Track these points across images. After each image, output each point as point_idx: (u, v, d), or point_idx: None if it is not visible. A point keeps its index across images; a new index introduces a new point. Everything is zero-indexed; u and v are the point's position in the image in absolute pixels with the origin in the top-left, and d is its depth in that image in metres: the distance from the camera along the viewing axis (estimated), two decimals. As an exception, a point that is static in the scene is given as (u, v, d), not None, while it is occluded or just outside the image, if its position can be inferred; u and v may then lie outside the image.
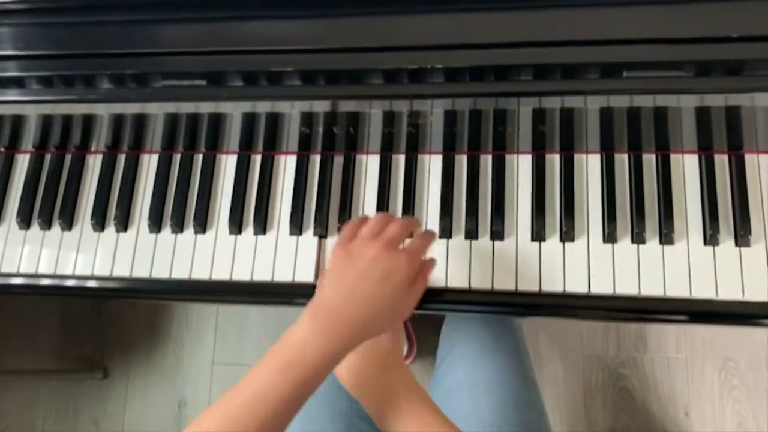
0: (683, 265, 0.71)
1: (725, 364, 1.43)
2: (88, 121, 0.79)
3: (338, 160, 0.81)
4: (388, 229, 0.64)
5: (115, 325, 1.67)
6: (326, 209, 0.79)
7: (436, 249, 0.76)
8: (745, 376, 1.41)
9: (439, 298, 0.77)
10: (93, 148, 0.86)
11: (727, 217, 0.72)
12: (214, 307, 1.63)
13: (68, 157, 0.86)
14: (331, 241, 0.79)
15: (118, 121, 0.79)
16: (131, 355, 1.65)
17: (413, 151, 0.80)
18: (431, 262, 0.69)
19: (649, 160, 0.75)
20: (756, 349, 1.42)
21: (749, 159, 0.73)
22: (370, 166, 0.81)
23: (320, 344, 0.58)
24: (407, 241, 0.67)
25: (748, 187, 0.72)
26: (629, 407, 1.44)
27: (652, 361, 1.45)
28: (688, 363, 1.44)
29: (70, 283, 0.83)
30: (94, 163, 0.86)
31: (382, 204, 0.78)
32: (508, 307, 0.76)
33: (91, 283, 0.82)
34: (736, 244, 0.71)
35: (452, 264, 0.76)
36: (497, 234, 0.75)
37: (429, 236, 0.69)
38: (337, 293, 0.61)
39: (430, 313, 0.83)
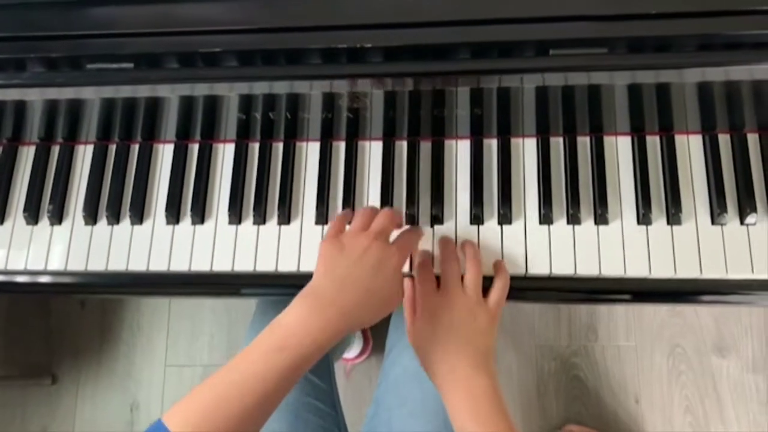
0: (618, 244, 0.72)
1: (673, 351, 1.46)
2: (20, 108, 0.77)
3: (278, 148, 0.80)
4: (376, 221, 0.67)
5: (63, 330, 1.62)
6: (265, 198, 0.78)
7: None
8: (692, 362, 1.45)
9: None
10: (26, 139, 0.84)
11: (659, 197, 0.74)
12: (165, 307, 1.61)
13: (-1, 150, 0.84)
14: (269, 229, 0.78)
15: (50, 108, 0.76)
16: (81, 360, 1.61)
17: (353, 137, 0.80)
18: (423, 253, 0.74)
19: (584, 142, 0.76)
20: (702, 335, 1.46)
21: (679, 140, 0.75)
22: (310, 153, 0.80)
23: (312, 329, 0.59)
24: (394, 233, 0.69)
25: (678, 167, 0.74)
26: (581, 395, 1.46)
27: (603, 350, 1.48)
28: (637, 350, 1.47)
29: (2, 278, 0.80)
30: (27, 155, 0.83)
31: (323, 192, 0.78)
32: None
33: (21, 279, 0.80)
34: (668, 223, 0.73)
35: (393, 249, 0.75)
36: (437, 219, 0.76)
37: (418, 230, 0.72)
38: (331, 282, 0.62)
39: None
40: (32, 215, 0.81)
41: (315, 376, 0.92)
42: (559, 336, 1.49)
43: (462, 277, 0.70)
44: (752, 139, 0.74)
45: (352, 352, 1.49)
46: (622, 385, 1.46)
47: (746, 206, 0.71)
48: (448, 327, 0.67)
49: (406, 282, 0.71)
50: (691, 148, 0.75)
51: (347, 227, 0.69)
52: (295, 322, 0.59)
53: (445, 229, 0.75)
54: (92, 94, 0.71)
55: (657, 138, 0.76)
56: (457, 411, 0.64)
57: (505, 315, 1.50)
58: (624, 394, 1.45)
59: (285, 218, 0.77)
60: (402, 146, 0.79)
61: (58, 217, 0.81)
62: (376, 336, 1.51)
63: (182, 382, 1.57)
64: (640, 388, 1.45)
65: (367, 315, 0.63)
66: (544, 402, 1.45)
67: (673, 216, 0.72)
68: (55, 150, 0.83)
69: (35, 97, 0.72)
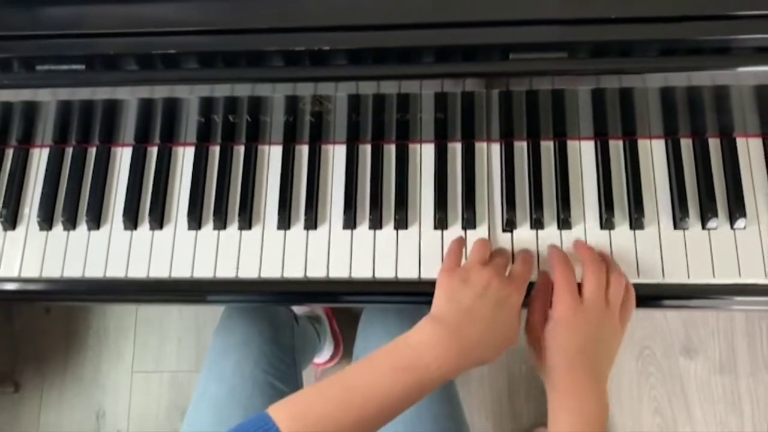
0: (581, 249, 0.72)
1: (642, 353, 1.47)
2: (-31, 112, 0.74)
3: (239, 151, 0.79)
4: (495, 257, 0.68)
5: (27, 336, 1.59)
6: (226, 202, 0.77)
7: (342, 241, 0.75)
8: (661, 364, 1.46)
9: (350, 290, 0.76)
10: (-21, 143, 0.81)
11: (622, 201, 0.74)
12: (132, 313, 1.58)
13: (-49, 153, 0.81)
14: (230, 234, 0.76)
15: (3, 111, 0.74)
16: (45, 367, 1.57)
17: (317, 141, 0.79)
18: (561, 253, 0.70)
19: (548, 147, 0.76)
20: (670, 337, 1.47)
21: (642, 144, 0.75)
22: (272, 157, 0.79)
23: (439, 355, 0.59)
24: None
25: (641, 172, 0.74)
26: (552, 398, 1.46)
27: (574, 352, 1.48)
28: (607, 353, 1.47)
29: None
30: (-20, 159, 0.81)
31: (285, 196, 0.76)
32: (413, 296, 0.75)
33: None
34: (631, 228, 0.73)
35: (356, 255, 0.74)
36: (401, 222, 0.75)
37: (530, 261, 0.70)
38: (457, 313, 0.62)
39: (345, 306, 0.81)
40: (-16, 220, 0.78)
41: (281, 382, 0.91)
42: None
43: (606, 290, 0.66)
44: (714, 144, 0.75)
45: (322, 356, 1.48)
46: (592, 387, 1.46)
47: (708, 211, 0.71)
48: (583, 345, 0.63)
49: (545, 275, 0.69)
50: (654, 152, 0.75)
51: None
52: (425, 345, 0.60)
53: (409, 233, 0.75)
54: (45, 96, 0.69)
55: (620, 142, 0.76)
56: (563, 426, 0.61)
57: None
58: (594, 397, 1.46)
59: (246, 223, 0.76)
60: (366, 150, 0.78)
61: (11, 222, 0.78)
62: (347, 340, 1.50)
63: (150, 388, 1.54)
64: (610, 390, 1.44)
65: (489, 351, 0.63)
66: (514, 405, 1.45)
67: (636, 220, 0.72)
68: (9, 153, 0.81)
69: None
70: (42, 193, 0.79)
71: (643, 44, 0.61)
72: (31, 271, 0.77)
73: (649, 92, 0.68)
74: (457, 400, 0.91)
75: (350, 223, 0.75)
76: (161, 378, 1.54)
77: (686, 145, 0.75)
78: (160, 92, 0.69)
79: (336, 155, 0.78)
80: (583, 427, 0.60)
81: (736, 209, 0.71)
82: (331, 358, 1.49)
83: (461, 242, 0.71)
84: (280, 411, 0.57)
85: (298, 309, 1.47)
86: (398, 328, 0.90)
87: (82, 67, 0.61)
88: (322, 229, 0.76)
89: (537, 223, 0.73)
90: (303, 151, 0.79)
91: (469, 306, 0.62)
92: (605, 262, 0.68)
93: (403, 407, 0.60)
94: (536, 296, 0.68)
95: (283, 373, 0.94)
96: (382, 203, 0.76)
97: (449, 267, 0.67)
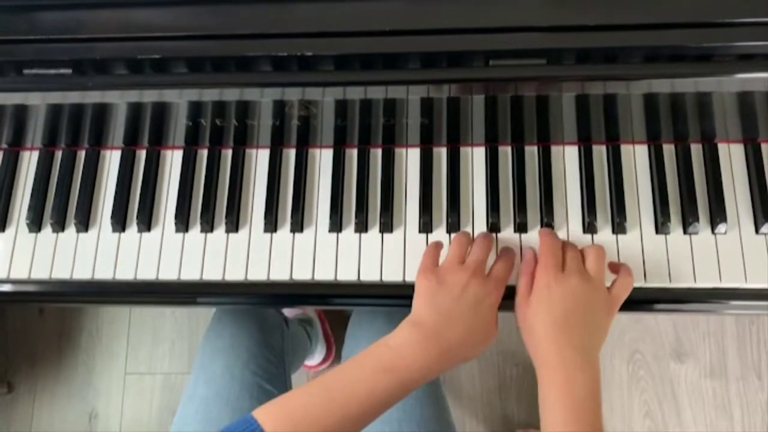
0: (564, 253, 0.73)
1: (633, 356, 1.47)
2: (-41, 115, 0.75)
3: (227, 155, 0.80)
4: (473, 253, 0.67)
5: (20, 337, 1.59)
6: (213, 206, 0.77)
7: (328, 244, 0.75)
8: (651, 368, 1.46)
9: (338, 293, 0.77)
10: (-31, 145, 0.82)
11: (605, 206, 0.74)
12: (125, 315, 1.58)
13: (-58, 155, 0.82)
14: (217, 237, 0.77)
15: (-8, 114, 0.75)
16: (38, 368, 1.58)
17: (304, 145, 0.79)
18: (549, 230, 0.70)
19: (531, 151, 0.77)
20: (661, 341, 1.48)
21: (625, 149, 0.76)
22: (259, 160, 0.80)
23: (419, 357, 0.60)
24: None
25: (624, 177, 0.75)
26: (542, 401, 1.46)
27: (565, 356, 1.48)
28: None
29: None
30: (-30, 161, 0.82)
31: (272, 200, 0.77)
32: (399, 299, 0.76)
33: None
34: (613, 232, 0.73)
35: (341, 258, 0.75)
36: (386, 226, 0.75)
37: (511, 260, 0.69)
38: (436, 315, 0.63)
39: (333, 308, 0.81)
40: (-26, 222, 0.79)
41: (270, 384, 0.92)
42: (522, 341, 1.49)
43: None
44: (696, 150, 0.75)
45: (314, 359, 1.49)
46: (583, 390, 1.47)
47: (689, 216, 0.72)
48: (565, 314, 0.62)
49: (529, 253, 0.69)
50: (636, 157, 0.76)
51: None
52: (405, 347, 0.61)
53: (394, 237, 0.75)
54: (34, 100, 0.70)
55: (603, 147, 0.76)
56: (547, 401, 0.60)
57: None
58: (585, 400, 1.46)
59: (233, 226, 0.77)
60: (352, 154, 0.79)
61: (0, 224, 0.79)
62: (339, 342, 1.50)
63: (142, 390, 1.54)
64: (601, 393, 1.46)
65: (468, 350, 0.64)
66: (506, 407, 1.46)
67: (618, 225, 0.73)
68: (-1, 156, 0.82)
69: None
70: (31, 195, 0.79)
71: (623, 51, 0.62)
72: (20, 273, 0.77)
73: (631, 98, 0.68)
74: (443, 403, 0.92)
75: (336, 226, 0.76)
76: (154, 380, 1.55)
77: (669, 150, 0.76)
78: (148, 96, 0.69)
79: (323, 159, 0.79)
80: (572, 401, 0.59)
81: (717, 214, 0.72)
82: (324, 360, 1.50)
83: (439, 244, 0.71)
84: (265, 413, 0.57)
85: (289, 312, 1.48)
86: (386, 330, 0.90)
87: (69, 71, 0.62)
88: (308, 232, 0.77)
89: (521, 227, 0.73)
90: (290, 154, 0.80)
91: (447, 309, 0.63)
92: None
93: (387, 406, 0.61)
94: (521, 273, 0.68)
95: (272, 375, 0.94)
96: (367, 207, 0.76)
97: (426, 268, 0.67)
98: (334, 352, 1.51)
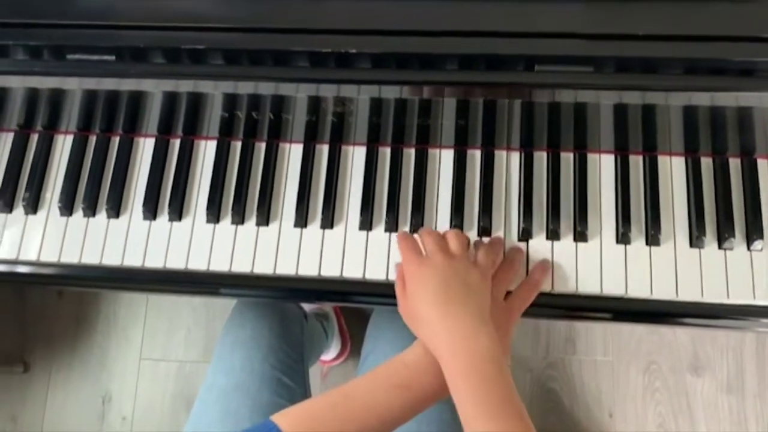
0: (595, 262, 0.72)
1: (649, 367, 1.46)
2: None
3: (260, 148, 0.80)
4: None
5: (38, 318, 1.60)
6: (245, 198, 0.77)
7: (358, 242, 0.75)
8: (667, 379, 1.45)
9: (360, 291, 0.76)
10: (4, 126, 0.82)
11: (640, 217, 0.73)
12: (143, 300, 1.59)
13: (-23, 135, 0.83)
14: (247, 229, 0.77)
15: (30, 97, 0.75)
16: (54, 349, 1.59)
17: (337, 141, 0.79)
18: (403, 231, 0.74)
19: (567, 158, 0.76)
20: (678, 353, 1.47)
21: (662, 160, 0.75)
22: (292, 154, 0.79)
23: (435, 376, 0.61)
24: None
25: (659, 188, 0.74)
26: (556, 408, 1.46)
27: (580, 364, 1.48)
28: (614, 366, 1.47)
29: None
30: (5, 142, 0.82)
31: (303, 194, 0.77)
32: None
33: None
34: (647, 243, 0.73)
35: (371, 256, 0.75)
36: (417, 227, 0.75)
37: (498, 246, 0.71)
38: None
39: (354, 306, 0.81)
40: (7, 203, 0.79)
41: (288, 378, 0.92)
42: (537, 347, 1.49)
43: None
44: (734, 164, 0.74)
45: (329, 353, 1.49)
46: (597, 399, 1.46)
47: (725, 231, 0.71)
48: (438, 286, 0.63)
49: (398, 265, 0.70)
50: (673, 169, 0.75)
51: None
52: (421, 366, 0.62)
53: (424, 238, 0.75)
54: (73, 85, 0.70)
55: (640, 158, 0.76)
56: (452, 378, 0.60)
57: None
58: (598, 408, 1.46)
59: (264, 219, 0.77)
60: (386, 153, 0.79)
61: (33, 207, 0.79)
62: (354, 338, 1.51)
63: (157, 376, 1.55)
64: (615, 403, 1.46)
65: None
66: (518, 413, 1.45)
67: (653, 237, 0.72)
68: (34, 138, 0.82)
69: (15, 84, 0.71)
70: (64, 179, 0.80)
71: (669, 62, 0.61)
72: (49, 256, 0.78)
73: (671, 109, 0.68)
74: None
75: (366, 224, 0.76)
76: (168, 367, 1.55)
77: (706, 163, 0.75)
78: (185, 86, 0.70)
79: (356, 156, 0.79)
80: (473, 370, 0.58)
81: (754, 231, 0.71)
82: (338, 355, 1.50)
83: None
84: (284, 418, 0.58)
85: (307, 306, 1.48)
86: (407, 331, 0.90)
87: (112, 58, 0.62)
88: (338, 229, 0.76)
89: (553, 234, 0.73)
90: (323, 150, 0.79)
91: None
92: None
93: (404, 420, 0.62)
94: (396, 281, 0.69)
95: (291, 369, 0.95)
96: (398, 206, 0.76)
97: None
98: (349, 348, 1.51)
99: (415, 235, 0.73)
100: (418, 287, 0.65)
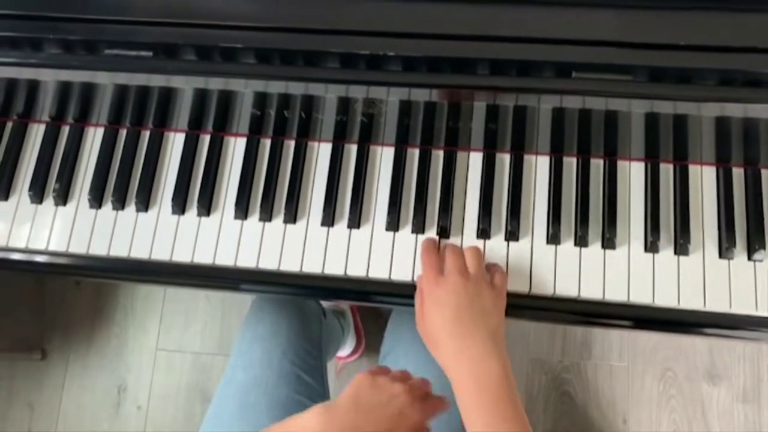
0: (623, 270, 0.72)
1: (664, 374, 1.46)
2: (32, 87, 0.76)
3: (289, 146, 0.80)
4: (415, 380, 0.69)
5: (57, 306, 1.62)
6: (273, 195, 0.78)
7: (384, 242, 0.76)
8: (683, 387, 1.45)
9: (383, 291, 0.76)
10: (36, 117, 0.83)
11: (669, 226, 0.73)
12: (160, 292, 1.60)
13: (9, 125, 0.83)
14: (274, 226, 0.77)
15: (63, 90, 0.76)
16: (72, 338, 1.60)
17: (366, 141, 0.79)
18: (428, 240, 0.74)
19: (597, 165, 0.76)
20: (694, 360, 1.46)
21: (693, 170, 0.75)
22: (321, 153, 0.80)
23: None
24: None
25: (690, 197, 0.73)
26: (570, 412, 1.45)
27: (595, 368, 1.48)
28: (629, 371, 1.47)
29: (3, 255, 0.80)
30: (37, 133, 0.83)
31: (331, 193, 0.77)
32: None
33: (25, 257, 0.79)
34: (675, 253, 0.72)
35: (396, 257, 0.75)
36: (444, 230, 0.75)
37: (444, 402, 0.70)
38: (352, 406, 0.64)
39: (375, 306, 0.81)
40: (37, 194, 0.80)
41: (307, 375, 0.92)
42: (553, 351, 1.49)
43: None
44: (766, 175, 0.74)
45: (344, 350, 1.49)
46: (611, 404, 1.46)
47: (755, 242, 0.71)
48: (454, 309, 0.65)
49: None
50: (704, 179, 0.74)
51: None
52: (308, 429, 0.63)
53: (452, 240, 0.75)
54: (107, 80, 0.71)
55: (671, 166, 0.75)
56: (463, 399, 0.63)
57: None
58: (612, 414, 1.45)
59: (291, 217, 0.77)
60: (414, 154, 0.79)
61: (63, 198, 0.80)
62: (368, 335, 1.51)
63: (172, 367, 1.56)
64: (629, 409, 1.45)
65: None
66: (531, 415, 1.45)
67: (681, 246, 0.72)
68: (65, 130, 0.83)
69: (50, 77, 0.72)
70: (94, 171, 0.80)
71: (708, 72, 0.60)
72: (78, 248, 0.78)
73: (703, 119, 0.67)
74: None
75: (393, 225, 0.76)
76: (184, 358, 1.56)
77: (738, 174, 0.74)
78: (217, 83, 0.70)
79: (384, 157, 0.79)
80: (484, 392, 0.62)
81: (785, 243, 0.71)
82: (353, 352, 1.50)
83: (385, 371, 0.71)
84: None
85: (324, 302, 1.49)
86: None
87: (149, 54, 0.62)
88: (364, 229, 0.77)
89: (581, 241, 0.73)
90: (351, 150, 0.80)
91: (364, 406, 0.64)
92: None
93: None
94: (417, 294, 0.71)
95: (310, 366, 0.95)
96: (426, 208, 0.76)
97: (372, 371, 0.69)
98: (364, 345, 1.52)
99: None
100: (434, 308, 0.67)
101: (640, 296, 0.71)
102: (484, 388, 0.62)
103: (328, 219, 0.77)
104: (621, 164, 0.75)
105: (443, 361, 0.66)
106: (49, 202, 0.80)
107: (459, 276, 0.67)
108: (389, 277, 0.75)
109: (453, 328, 0.65)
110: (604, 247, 0.73)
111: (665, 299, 0.71)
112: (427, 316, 0.67)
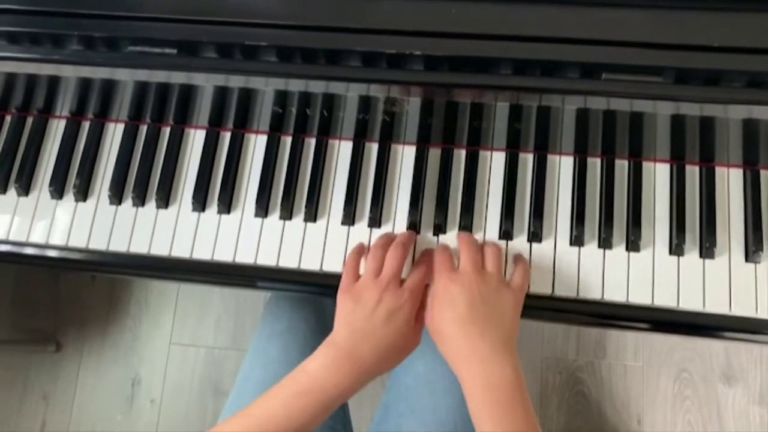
0: (647, 272, 0.71)
1: (680, 375, 1.45)
2: (54, 83, 0.76)
3: (310, 143, 0.79)
4: (387, 264, 0.68)
5: (71, 299, 1.63)
6: (293, 193, 0.77)
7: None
8: (698, 389, 1.44)
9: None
10: (57, 113, 0.83)
11: (694, 228, 0.72)
12: (174, 286, 1.60)
13: (30, 120, 0.83)
14: (294, 225, 0.77)
15: (84, 85, 0.76)
16: (86, 330, 1.61)
17: (387, 139, 0.79)
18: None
19: (621, 165, 0.75)
20: (710, 361, 1.45)
21: (719, 172, 0.74)
22: (341, 151, 0.79)
23: (333, 377, 0.63)
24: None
25: (716, 200, 0.72)
26: (584, 411, 1.45)
27: (610, 368, 1.47)
28: (644, 371, 1.46)
29: (25, 250, 0.80)
30: (57, 128, 0.83)
31: (352, 192, 0.77)
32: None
33: (47, 252, 0.79)
34: (701, 256, 0.71)
35: (417, 255, 0.74)
36: (465, 229, 0.75)
37: (424, 266, 0.71)
38: (350, 333, 0.65)
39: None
40: (57, 189, 0.80)
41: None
42: (567, 350, 1.48)
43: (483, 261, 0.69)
44: (794, 178, 0.73)
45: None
46: (626, 404, 1.45)
47: (782, 246, 0.70)
48: (467, 306, 0.63)
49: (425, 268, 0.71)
50: (730, 181, 0.73)
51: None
52: (318, 370, 0.64)
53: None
54: (129, 76, 0.70)
55: (696, 168, 0.74)
56: (473, 400, 0.61)
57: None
58: (627, 414, 1.45)
59: (312, 216, 0.76)
60: (436, 153, 0.78)
61: (83, 194, 0.80)
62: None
63: (186, 361, 1.57)
64: (644, 409, 1.44)
65: (384, 364, 0.66)
66: (545, 414, 1.45)
67: (707, 249, 0.71)
68: (86, 126, 0.83)
69: (71, 73, 0.71)
70: (114, 168, 0.80)
71: (741, 75, 0.59)
72: (98, 244, 0.78)
73: (730, 122, 0.66)
74: None
75: (415, 225, 0.75)
76: (197, 352, 1.57)
77: (765, 176, 0.73)
78: (236, 81, 0.69)
79: (405, 156, 0.78)
80: (495, 394, 0.60)
81: (812, 247, 0.70)
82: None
83: (356, 257, 0.72)
84: None
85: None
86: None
87: (174, 51, 0.62)
88: (385, 228, 0.76)
89: (605, 243, 0.72)
90: (372, 148, 0.79)
91: (361, 326, 0.65)
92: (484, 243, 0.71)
93: (310, 426, 0.63)
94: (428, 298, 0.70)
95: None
96: (448, 208, 0.76)
97: (343, 288, 0.69)
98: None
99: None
100: (445, 304, 0.65)
101: (665, 299, 0.70)
102: (496, 391, 0.60)
103: (349, 218, 0.76)
104: (646, 165, 0.75)
105: (451, 357, 0.64)
106: (69, 197, 0.80)
107: (473, 272, 0.66)
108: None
109: (464, 325, 0.63)
110: (628, 249, 0.72)
111: (690, 303, 0.70)
112: (437, 313, 0.65)
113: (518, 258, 0.72)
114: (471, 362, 0.62)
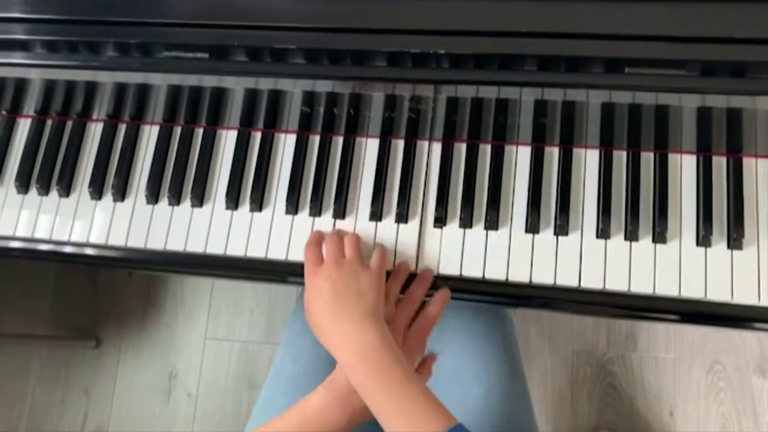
0: (674, 264, 0.72)
1: (713, 367, 1.44)
2: (91, 88, 0.79)
3: (337, 142, 0.81)
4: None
5: (110, 296, 1.68)
6: (322, 190, 0.79)
7: (434, 235, 0.76)
8: (732, 380, 1.42)
9: (431, 285, 0.77)
10: (94, 116, 0.86)
11: (722, 220, 0.72)
12: (209, 282, 1.64)
13: (69, 124, 0.87)
14: (324, 221, 0.79)
15: (120, 90, 0.79)
16: (124, 326, 1.66)
17: (413, 136, 0.80)
18: (314, 234, 0.78)
19: (647, 158, 0.75)
20: (744, 353, 1.43)
21: (747, 162, 0.73)
22: (368, 149, 0.81)
23: (337, 415, 0.66)
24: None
25: (744, 191, 0.72)
26: (615, 404, 1.45)
27: (641, 360, 1.46)
28: (676, 363, 1.45)
29: (66, 249, 0.83)
30: (95, 131, 0.86)
31: (379, 188, 0.78)
32: (498, 297, 0.76)
33: (87, 251, 0.83)
34: (728, 247, 0.71)
35: (444, 252, 0.76)
36: (491, 224, 0.76)
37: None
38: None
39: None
40: (97, 190, 0.83)
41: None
42: (598, 342, 1.48)
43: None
44: (823, 168, 0.72)
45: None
46: (658, 396, 1.44)
47: (812, 236, 0.70)
48: (331, 294, 0.69)
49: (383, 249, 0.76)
50: (759, 172, 0.73)
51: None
52: (321, 406, 0.67)
53: (500, 235, 0.75)
54: (162, 81, 0.73)
55: (723, 159, 0.74)
56: (354, 377, 0.65)
57: (545, 318, 1.50)
58: (658, 406, 1.44)
59: (340, 213, 0.78)
60: (461, 149, 0.79)
61: (121, 194, 0.83)
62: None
63: (220, 355, 1.61)
64: (676, 402, 1.44)
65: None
66: (576, 406, 1.45)
67: (735, 240, 0.71)
68: (122, 128, 0.86)
69: (107, 79, 0.74)
70: (150, 168, 0.83)
71: (756, 66, 0.59)
72: (136, 242, 0.81)
73: (758, 112, 0.66)
74: (524, 380, 0.92)
75: (441, 220, 0.77)
76: (232, 346, 1.60)
77: (795, 166, 0.73)
78: (266, 84, 0.72)
79: (432, 152, 0.80)
80: (360, 357, 0.64)
81: (843, 237, 0.69)
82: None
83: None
84: None
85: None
86: (472, 322, 0.91)
87: (205, 55, 0.64)
88: (412, 224, 0.78)
89: (632, 235, 0.72)
90: (399, 145, 0.80)
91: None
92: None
93: None
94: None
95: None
96: (474, 203, 0.77)
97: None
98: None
99: None
100: (313, 296, 0.71)
101: (692, 291, 0.71)
102: (365, 353, 0.65)
103: (376, 215, 0.78)
104: (672, 157, 0.75)
105: (329, 345, 0.69)
106: (107, 198, 0.83)
107: (333, 263, 0.71)
108: (437, 272, 0.76)
109: (332, 311, 0.68)
110: (654, 241, 0.72)
111: (718, 294, 0.70)
112: (312, 307, 0.70)
113: (377, 245, 0.77)
114: (342, 342, 0.67)
